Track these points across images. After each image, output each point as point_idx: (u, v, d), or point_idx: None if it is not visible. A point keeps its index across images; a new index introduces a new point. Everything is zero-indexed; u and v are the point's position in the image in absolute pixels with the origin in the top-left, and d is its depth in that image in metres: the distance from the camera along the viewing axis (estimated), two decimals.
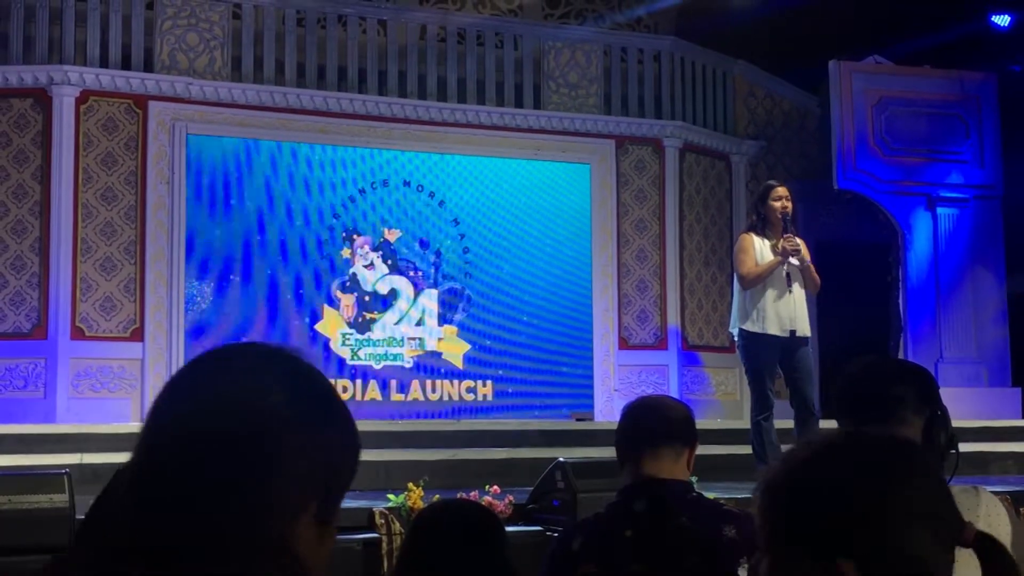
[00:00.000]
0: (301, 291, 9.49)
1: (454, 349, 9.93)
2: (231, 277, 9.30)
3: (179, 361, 8.96)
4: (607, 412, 9.98)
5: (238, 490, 1.12)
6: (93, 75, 8.97)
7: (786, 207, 6.94)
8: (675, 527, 2.71)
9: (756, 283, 6.87)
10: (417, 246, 9.91)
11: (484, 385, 9.99)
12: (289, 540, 1.14)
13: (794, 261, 6.89)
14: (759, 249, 6.93)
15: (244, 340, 8.59)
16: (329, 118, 9.68)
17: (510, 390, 10.06)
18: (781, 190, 7.03)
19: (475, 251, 10.09)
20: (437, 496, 5.35)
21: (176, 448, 1.15)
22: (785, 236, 6.88)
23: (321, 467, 1.17)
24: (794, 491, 1.35)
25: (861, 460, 1.35)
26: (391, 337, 9.74)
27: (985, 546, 1.35)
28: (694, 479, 6.37)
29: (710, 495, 3.19)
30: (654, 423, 2.87)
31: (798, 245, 6.88)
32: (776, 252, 6.89)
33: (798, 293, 6.93)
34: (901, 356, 10.13)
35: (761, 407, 6.89)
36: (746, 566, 2.67)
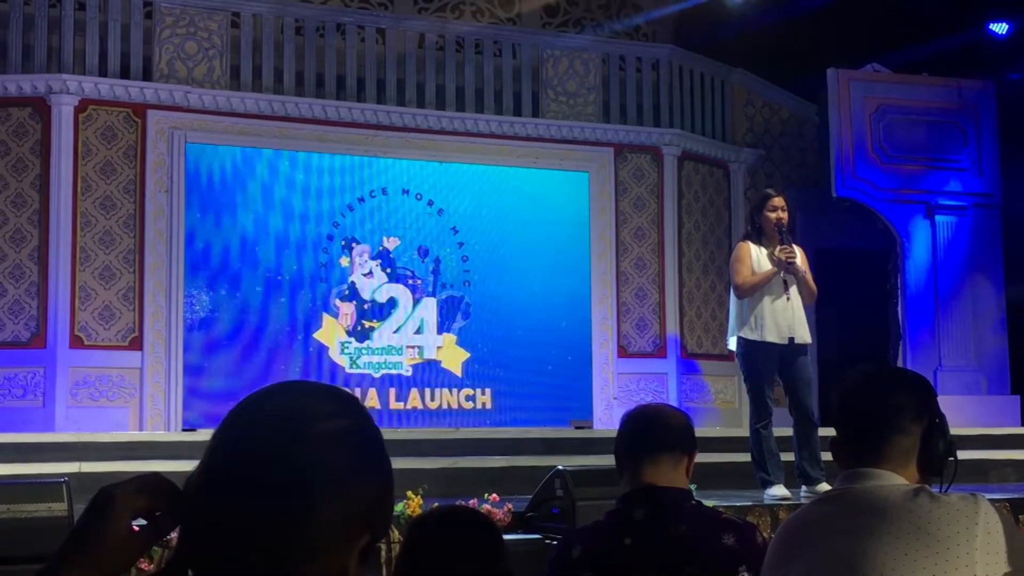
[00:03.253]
0: (300, 299, 9.49)
1: (453, 357, 9.93)
2: (229, 286, 9.29)
3: (178, 370, 8.96)
4: (606, 420, 9.98)
5: (299, 524, 1.17)
6: (92, 84, 8.98)
7: (781, 218, 6.91)
8: (674, 535, 2.72)
9: (751, 292, 6.86)
10: (416, 254, 9.91)
11: (483, 393, 9.98)
12: (348, 571, 1.20)
13: (790, 269, 6.89)
14: (756, 258, 6.91)
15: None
16: (328, 126, 9.69)
17: (509, 398, 10.05)
18: (777, 200, 7.00)
19: (474, 259, 10.09)
20: (436, 504, 5.34)
21: (236, 470, 1.20)
22: (781, 247, 6.87)
23: (373, 498, 1.23)
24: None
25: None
26: (390, 345, 9.73)
27: None
28: (693, 487, 6.38)
29: (709, 503, 3.20)
30: (654, 431, 2.88)
31: (794, 255, 6.87)
32: (773, 261, 6.89)
33: (796, 300, 6.92)
34: (900, 364, 10.14)
35: (760, 415, 6.88)
36: (745, 575, 2.68)
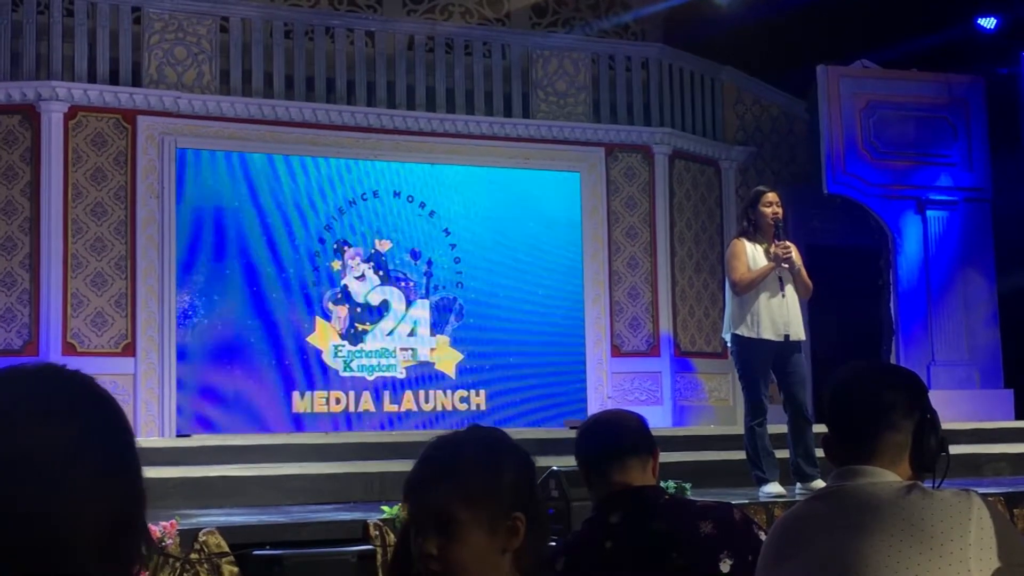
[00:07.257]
0: (292, 303, 9.48)
1: (447, 359, 9.93)
2: (222, 290, 9.28)
3: (171, 376, 8.95)
4: None
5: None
6: (81, 90, 8.96)
7: (776, 213, 6.94)
8: (652, 532, 2.74)
9: (749, 289, 6.87)
10: (408, 256, 9.91)
11: (477, 394, 9.98)
12: None
13: (786, 266, 6.91)
14: (751, 254, 6.93)
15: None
16: (318, 130, 9.69)
17: (503, 399, 10.05)
18: (771, 196, 7.02)
19: (466, 260, 10.09)
20: None
21: None
22: (777, 243, 6.89)
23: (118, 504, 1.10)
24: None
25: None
26: (384, 348, 9.73)
27: None
28: (688, 486, 6.38)
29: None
30: (619, 437, 2.91)
31: (790, 251, 6.89)
32: (768, 257, 6.90)
33: (791, 297, 6.93)
34: (893, 359, 10.16)
35: (755, 412, 6.89)
36: (727, 561, 2.70)
